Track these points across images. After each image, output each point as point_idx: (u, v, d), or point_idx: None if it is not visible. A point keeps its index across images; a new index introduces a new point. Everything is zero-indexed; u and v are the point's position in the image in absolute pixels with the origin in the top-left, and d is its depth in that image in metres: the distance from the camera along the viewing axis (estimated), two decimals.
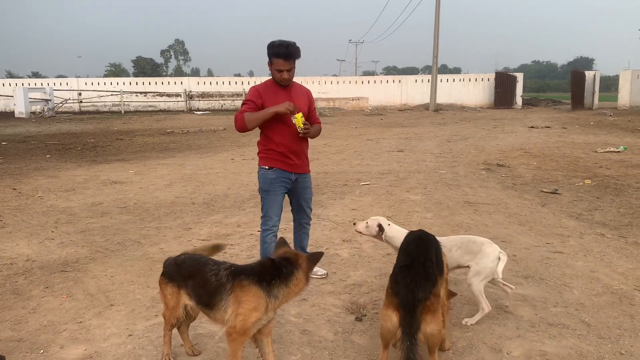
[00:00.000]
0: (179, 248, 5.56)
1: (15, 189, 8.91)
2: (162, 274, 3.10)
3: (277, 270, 2.85)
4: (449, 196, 7.94)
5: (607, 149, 12.70)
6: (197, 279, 2.94)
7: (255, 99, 4.12)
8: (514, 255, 5.15)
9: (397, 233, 3.85)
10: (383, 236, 3.93)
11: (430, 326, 2.81)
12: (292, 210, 4.63)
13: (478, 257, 3.72)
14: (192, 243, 5.73)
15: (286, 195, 4.46)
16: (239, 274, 2.86)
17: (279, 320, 3.82)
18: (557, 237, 5.74)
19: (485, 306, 3.67)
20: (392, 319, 2.85)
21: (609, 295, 4.16)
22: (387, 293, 3.03)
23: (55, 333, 3.64)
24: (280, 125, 4.14)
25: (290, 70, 4.08)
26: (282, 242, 3.15)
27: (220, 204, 7.70)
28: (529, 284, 4.43)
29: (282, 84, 4.15)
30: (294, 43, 4.07)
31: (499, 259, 3.69)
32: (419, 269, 2.94)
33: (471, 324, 3.66)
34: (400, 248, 3.32)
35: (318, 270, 4.62)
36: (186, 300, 3.00)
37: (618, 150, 12.57)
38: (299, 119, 4.04)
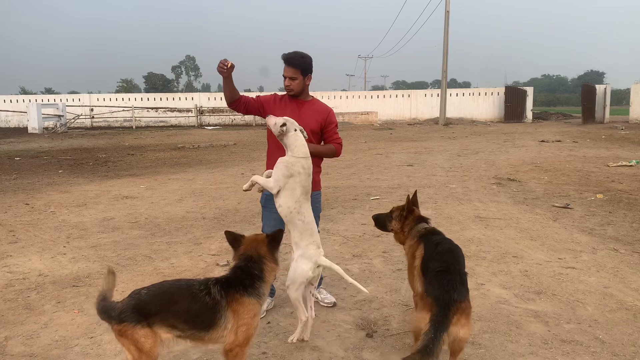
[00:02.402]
0: (189, 263, 5.58)
1: (28, 204, 9.00)
2: (122, 321, 2.64)
3: (251, 274, 2.89)
4: (459, 211, 7.90)
5: (619, 163, 12.60)
6: (183, 304, 2.73)
7: (265, 97, 4.21)
8: (525, 270, 5.11)
9: (297, 142, 3.62)
10: (282, 131, 3.63)
11: (463, 330, 2.85)
12: None
13: (295, 262, 3.62)
14: (203, 258, 5.75)
15: None
16: (227, 287, 2.82)
17: (289, 336, 3.81)
18: (569, 252, 5.69)
19: (302, 314, 3.58)
20: (426, 319, 2.86)
21: (623, 312, 4.10)
22: (420, 298, 3.05)
23: (67, 348, 3.66)
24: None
25: (294, 80, 4.04)
26: (233, 238, 3.05)
27: (231, 218, 7.72)
28: (541, 299, 4.39)
29: (286, 92, 4.14)
30: (303, 53, 4.06)
31: (318, 266, 3.59)
32: (455, 274, 3.01)
33: (292, 340, 3.66)
34: (431, 256, 3.30)
35: (326, 297, 4.40)
36: (164, 334, 2.71)
37: (630, 164, 12.47)
38: None
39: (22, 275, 5.28)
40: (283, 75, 4.07)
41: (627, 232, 6.47)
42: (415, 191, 3.89)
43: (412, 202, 3.74)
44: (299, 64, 4.03)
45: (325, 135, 4.28)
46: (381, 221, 3.91)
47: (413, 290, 3.54)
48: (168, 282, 2.93)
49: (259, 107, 4.18)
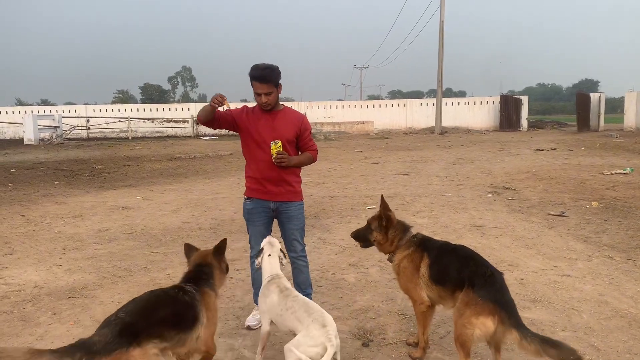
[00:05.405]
0: None
1: (23, 216, 8.98)
2: (112, 350, 2.41)
3: (200, 276, 3.16)
4: (455, 220, 7.92)
5: (614, 171, 12.67)
6: (168, 309, 2.74)
7: (235, 110, 4.13)
8: (521, 278, 5.13)
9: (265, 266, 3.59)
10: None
11: None
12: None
13: (302, 333, 2.97)
14: None
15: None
16: (198, 283, 3.08)
17: (283, 346, 3.80)
18: (564, 260, 5.71)
19: None
20: (487, 324, 2.93)
21: (618, 319, 4.12)
22: (469, 304, 3.03)
23: None
24: (257, 152, 4.05)
25: (270, 94, 3.93)
26: (188, 248, 3.47)
27: (227, 228, 7.72)
28: (536, 307, 4.40)
29: (262, 108, 4.04)
30: (272, 66, 3.95)
31: (326, 348, 2.80)
32: (501, 280, 3.11)
33: None
34: (450, 262, 3.34)
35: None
36: (153, 349, 2.57)
37: (625, 172, 12.53)
38: (274, 147, 3.96)
39: (18, 287, 5.27)
40: (257, 93, 3.95)
41: (622, 240, 6.50)
42: (382, 195, 3.92)
43: (385, 208, 3.69)
44: (272, 79, 3.93)
45: (301, 143, 4.25)
46: (361, 236, 3.87)
47: (416, 300, 3.49)
48: (143, 296, 2.82)
49: (232, 122, 4.09)
